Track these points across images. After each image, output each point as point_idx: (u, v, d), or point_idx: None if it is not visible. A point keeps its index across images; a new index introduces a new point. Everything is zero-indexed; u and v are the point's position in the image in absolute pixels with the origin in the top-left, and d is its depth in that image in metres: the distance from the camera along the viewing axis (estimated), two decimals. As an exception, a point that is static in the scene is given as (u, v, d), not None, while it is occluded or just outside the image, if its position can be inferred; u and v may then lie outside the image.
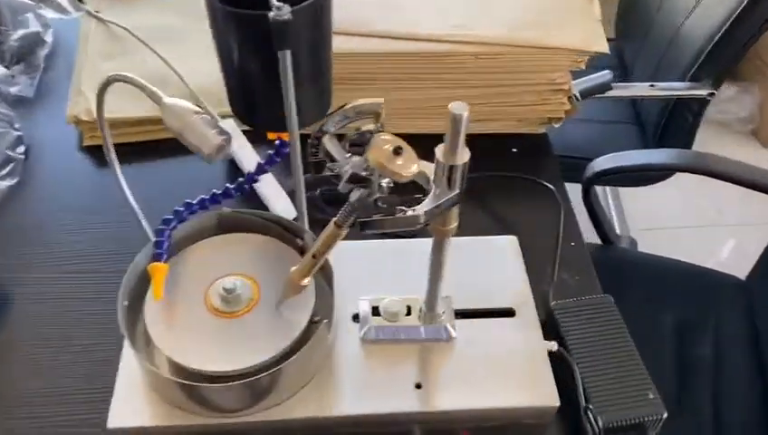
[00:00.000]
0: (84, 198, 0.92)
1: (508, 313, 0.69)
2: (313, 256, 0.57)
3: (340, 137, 0.54)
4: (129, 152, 0.99)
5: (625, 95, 1.34)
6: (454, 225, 0.57)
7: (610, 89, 1.27)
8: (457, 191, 0.53)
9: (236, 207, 0.96)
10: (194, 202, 0.67)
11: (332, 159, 0.52)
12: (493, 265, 0.73)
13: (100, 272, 0.81)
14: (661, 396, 0.77)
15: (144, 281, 0.64)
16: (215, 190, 0.68)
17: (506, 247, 0.75)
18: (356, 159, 0.50)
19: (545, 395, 0.63)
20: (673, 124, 1.45)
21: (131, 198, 0.67)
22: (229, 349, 0.60)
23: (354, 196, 0.52)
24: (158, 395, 0.61)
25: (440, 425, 0.64)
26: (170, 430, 0.60)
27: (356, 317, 0.68)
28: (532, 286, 0.88)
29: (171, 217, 0.65)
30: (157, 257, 0.63)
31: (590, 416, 0.72)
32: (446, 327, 0.66)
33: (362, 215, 0.51)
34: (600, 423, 0.71)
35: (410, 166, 0.50)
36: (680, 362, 1.21)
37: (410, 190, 0.54)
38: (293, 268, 0.60)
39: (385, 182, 0.50)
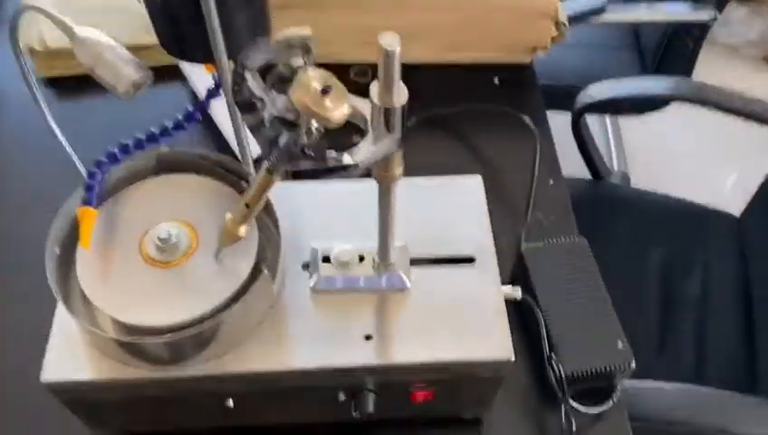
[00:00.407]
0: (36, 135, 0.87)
1: (467, 260, 0.65)
2: (246, 205, 0.53)
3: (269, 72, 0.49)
4: (80, 86, 0.94)
5: (619, 20, 1.26)
6: (398, 170, 0.52)
7: (604, 12, 1.19)
8: (397, 136, 0.48)
9: (197, 142, 0.92)
10: (129, 142, 0.62)
11: (258, 99, 0.47)
12: (454, 207, 0.69)
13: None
14: (643, 336, 0.75)
15: (77, 228, 0.60)
16: (152, 128, 0.63)
17: (470, 188, 0.70)
18: (280, 99, 0.45)
19: (500, 348, 0.59)
20: (672, 50, 1.37)
21: (61, 136, 0.62)
22: (166, 301, 0.57)
23: (282, 140, 0.47)
24: (95, 347, 0.58)
25: (392, 378, 0.61)
26: (106, 384, 0.58)
27: (306, 265, 0.64)
28: (505, 229, 0.84)
29: (104, 158, 0.61)
30: (86, 202, 0.58)
31: (554, 365, 0.69)
32: (401, 276, 0.63)
33: (289, 164, 0.46)
34: (563, 372, 0.69)
35: (340, 108, 0.44)
36: (665, 301, 1.18)
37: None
38: (228, 216, 0.55)
39: (315, 126, 0.45)
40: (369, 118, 0.48)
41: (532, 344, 0.74)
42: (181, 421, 0.67)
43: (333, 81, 0.45)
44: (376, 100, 0.45)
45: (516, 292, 0.69)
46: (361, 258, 0.63)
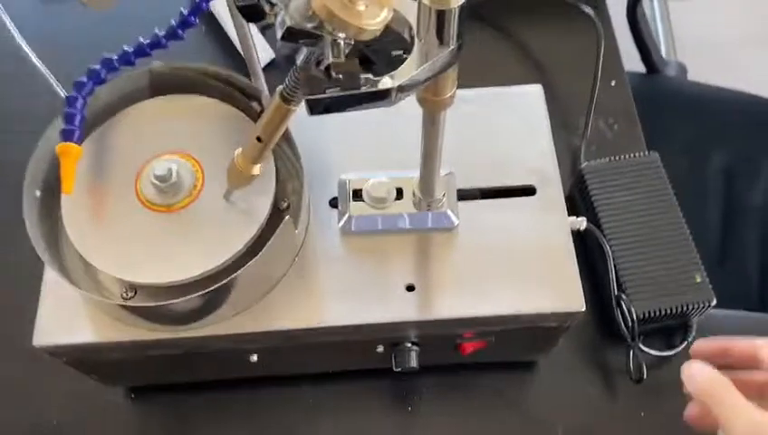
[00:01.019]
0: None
1: (527, 191, 0.54)
2: (258, 139, 0.42)
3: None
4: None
5: None
6: (450, 93, 0.40)
7: None
8: (451, 47, 0.36)
9: (199, 54, 0.80)
10: (114, 57, 0.50)
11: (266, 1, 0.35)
12: (510, 126, 0.57)
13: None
14: (704, 247, 0.65)
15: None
16: (141, 38, 0.51)
17: (528, 101, 0.58)
18: (296, 2, 0.33)
19: (568, 298, 0.50)
20: None
21: (30, 51, 0.50)
22: (171, 252, 0.48)
23: (300, 59, 0.35)
24: (91, 306, 0.50)
25: (438, 332, 0.52)
26: (107, 347, 0.50)
27: (334, 202, 0.54)
28: (561, 142, 0.72)
29: (85, 78, 0.50)
30: (66, 136, 0.48)
31: (623, 306, 0.60)
32: (447, 214, 0.52)
33: (310, 90, 0.35)
34: (634, 313, 0.59)
35: (377, 12, 0.33)
36: (728, 207, 1.07)
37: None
38: (237, 152, 0.45)
39: (343, 38, 0.33)
40: (415, 24, 0.36)
41: (596, 277, 0.64)
42: (198, 375, 0.60)
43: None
44: (426, 0, 0.33)
45: (581, 223, 0.59)
46: (399, 192, 0.53)
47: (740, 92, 1.15)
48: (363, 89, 0.35)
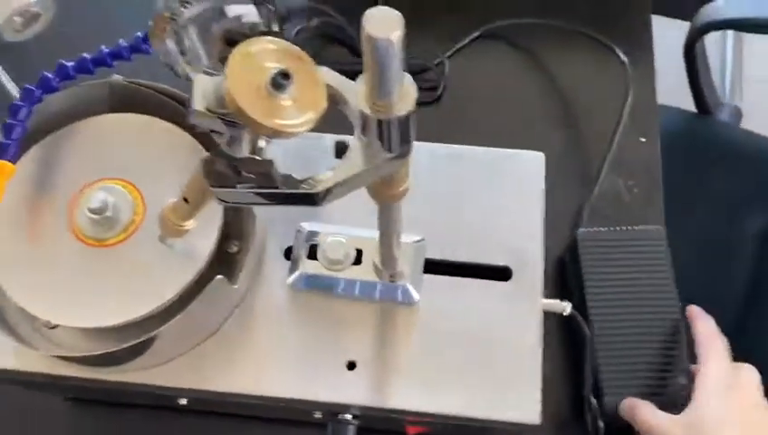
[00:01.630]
0: None
1: (502, 273, 0.49)
2: (186, 200, 0.37)
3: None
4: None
5: None
6: (403, 187, 0.35)
7: None
8: (396, 154, 0.30)
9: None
10: (70, 63, 0.46)
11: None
12: (498, 196, 0.51)
13: None
14: (721, 318, 0.59)
15: None
16: (103, 47, 0.46)
17: (525, 170, 0.52)
18: (213, 80, 0.28)
19: (523, 408, 0.45)
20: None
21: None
22: (94, 293, 0.44)
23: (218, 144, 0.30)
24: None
25: (377, 414, 0.47)
26: (25, 374, 0.47)
27: (289, 253, 0.49)
28: (573, 196, 0.66)
29: (34, 86, 0.45)
30: (1, 152, 0.44)
31: (591, 410, 0.54)
32: (407, 288, 0.47)
33: (216, 183, 0.29)
34: (600, 421, 0.54)
35: (301, 113, 0.27)
36: (757, 278, 0.98)
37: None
38: (167, 205, 0.40)
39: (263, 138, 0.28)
40: (357, 120, 0.30)
41: (578, 361, 0.59)
42: (132, 400, 0.57)
43: (298, 60, 0.27)
44: (363, 105, 0.27)
45: (565, 307, 0.53)
46: (359, 255, 0.48)
47: (795, 149, 1.05)
48: (283, 188, 0.29)
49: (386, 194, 0.34)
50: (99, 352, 0.41)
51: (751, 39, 1.60)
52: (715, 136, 1.05)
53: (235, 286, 0.45)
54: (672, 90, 1.04)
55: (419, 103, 0.75)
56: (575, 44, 0.74)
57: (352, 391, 0.45)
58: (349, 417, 0.49)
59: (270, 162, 0.28)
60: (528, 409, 0.45)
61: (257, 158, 0.28)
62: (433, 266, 0.49)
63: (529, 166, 0.51)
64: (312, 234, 0.48)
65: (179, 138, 0.47)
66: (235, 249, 0.48)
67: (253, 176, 0.28)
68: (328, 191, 0.30)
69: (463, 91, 0.73)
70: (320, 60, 0.29)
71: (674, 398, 0.52)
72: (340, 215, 0.50)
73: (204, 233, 0.45)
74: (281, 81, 0.26)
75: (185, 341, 0.45)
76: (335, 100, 0.29)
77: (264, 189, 0.29)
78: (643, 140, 0.71)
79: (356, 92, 0.27)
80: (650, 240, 0.58)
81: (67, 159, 0.47)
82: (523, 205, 0.50)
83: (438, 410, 0.45)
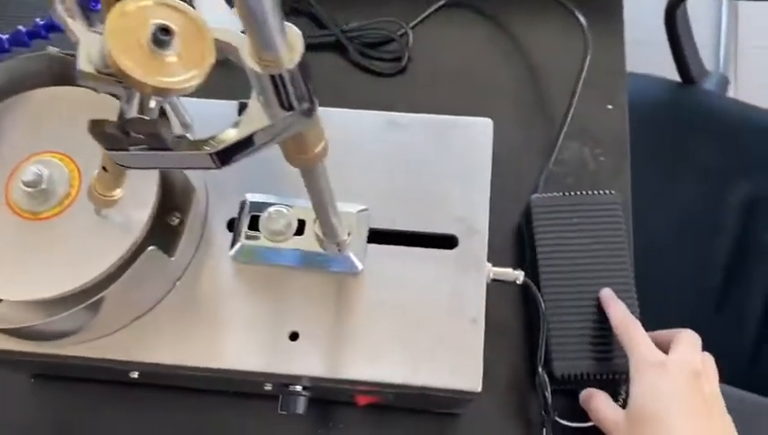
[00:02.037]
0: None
1: (448, 241, 0.48)
2: (104, 169, 0.37)
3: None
4: None
5: None
6: (318, 148, 0.34)
7: None
8: (297, 111, 0.29)
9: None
10: (4, 36, 0.45)
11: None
12: (445, 163, 0.50)
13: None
14: (702, 289, 0.58)
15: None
16: (38, 20, 0.46)
17: (473, 137, 0.51)
18: (92, 38, 0.27)
19: (465, 376, 0.44)
20: None
21: None
22: (28, 266, 0.44)
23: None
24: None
25: (325, 385, 0.47)
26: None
27: (233, 224, 0.48)
28: (534, 166, 0.65)
29: (-31, 60, 0.45)
30: (-67, 124, 0.44)
31: (540, 377, 0.54)
32: (350, 257, 0.47)
33: (107, 145, 0.29)
34: (548, 388, 0.53)
35: (185, 70, 0.26)
36: (739, 248, 0.97)
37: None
38: (93, 175, 0.40)
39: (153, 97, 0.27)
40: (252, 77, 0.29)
41: (533, 328, 0.58)
42: (88, 375, 0.57)
43: (182, 15, 0.26)
44: (249, 61, 0.27)
45: (518, 276, 0.52)
46: (302, 225, 0.47)
47: (782, 117, 1.03)
48: (177, 150, 0.29)
49: (299, 157, 0.33)
50: (31, 323, 0.41)
51: (745, 6, 1.57)
52: (699, 105, 1.03)
53: (172, 258, 0.44)
54: (665, 61, 1.02)
55: (386, 75, 0.74)
56: (541, 11, 0.73)
57: (296, 362, 0.45)
58: (299, 388, 0.49)
59: (156, 122, 0.27)
60: (470, 377, 0.44)
61: (144, 117, 0.27)
62: (378, 236, 0.48)
63: (477, 133, 0.51)
64: (256, 205, 0.48)
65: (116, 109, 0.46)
66: (176, 221, 0.48)
67: (142, 137, 0.28)
68: (227, 151, 0.29)
69: (428, 61, 0.72)
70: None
71: (623, 367, 0.51)
72: (287, 187, 0.49)
73: (141, 205, 0.44)
74: (161, 37, 0.26)
75: (124, 313, 0.45)
76: (228, 56, 0.28)
77: (156, 151, 0.28)
78: (610, 107, 0.69)
79: (244, 48, 0.26)
80: (606, 205, 0.57)
81: (4, 134, 0.46)
82: (470, 172, 0.50)
83: (381, 379, 0.44)
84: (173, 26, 0.26)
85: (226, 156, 0.29)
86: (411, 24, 0.72)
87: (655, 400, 0.46)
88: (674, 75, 1.04)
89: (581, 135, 0.67)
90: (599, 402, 0.51)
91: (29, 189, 0.43)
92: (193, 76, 0.27)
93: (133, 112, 0.28)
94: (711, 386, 0.48)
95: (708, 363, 0.50)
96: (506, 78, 0.71)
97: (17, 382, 0.61)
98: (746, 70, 1.52)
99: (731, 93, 1.51)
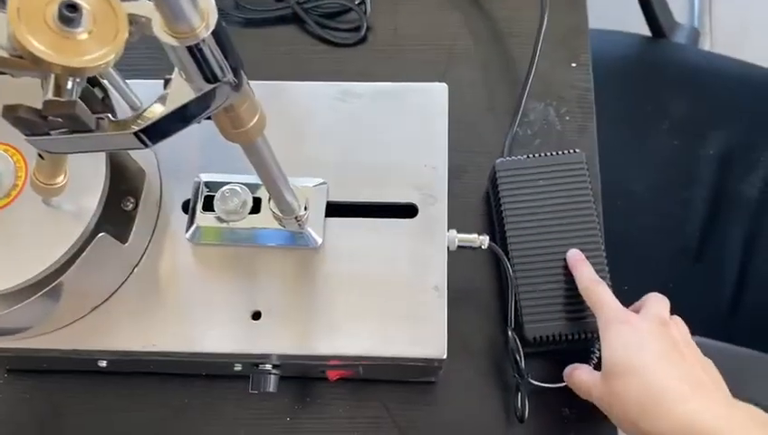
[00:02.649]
0: None
1: (407, 210, 0.47)
2: (40, 156, 0.36)
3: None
4: None
5: None
6: (253, 122, 0.33)
7: None
8: (223, 80, 0.28)
9: None
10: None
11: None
12: (401, 131, 0.49)
13: None
14: (681, 238, 0.57)
15: None
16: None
17: (429, 103, 0.50)
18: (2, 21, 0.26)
19: (429, 343, 0.44)
20: None
21: None
22: (-19, 259, 0.43)
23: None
24: None
25: (293, 362, 0.47)
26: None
27: (187, 206, 0.48)
28: (497, 133, 0.64)
29: None
30: None
31: (511, 340, 0.54)
32: (308, 232, 0.46)
33: (27, 130, 0.28)
34: (521, 351, 0.53)
35: (98, 47, 0.25)
36: (715, 198, 0.97)
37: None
38: (34, 165, 0.39)
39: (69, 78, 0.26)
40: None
41: (503, 293, 0.58)
42: (58, 366, 0.57)
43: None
44: (162, 35, 0.25)
45: (483, 241, 0.52)
46: (257, 203, 0.46)
47: (755, 67, 1.03)
48: (101, 132, 0.28)
49: (235, 132, 0.33)
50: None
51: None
52: (670, 59, 1.03)
53: (125, 244, 0.44)
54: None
55: (346, 45, 0.73)
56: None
57: (260, 341, 0.45)
58: (269, 367, 0.49)
59: (72, 103, 0.26)
60: (435, 344, 0.44)
61: (59, 99, 0.26)
62: (337, 209, 0.47)
63: (432, 99, 0.50)
64: (209, 185, 0.47)
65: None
66: (129, 206, 0.47)
67: (59, 120, 0.27)
68: (153, 128, 0.28)
69: (387, 29, 0.71)
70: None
71: (594, 326, 0.51)
72: (242, 165, 0.48)
73: (90, 191, 0.43)
74: (68, 14, 0.24)
75: (82, 302, 0.45)
76: (144, 31, 0.27)
77: (78, 134, 0.27)
78: (574, 65, 0.68)
79: (156, 21, 0.25)
80: (571, 165, 0.57)
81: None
82: (427, 139, 0.49)
83: (348, 352, 0.44)
84: (81, 2, 0.25)
85: (154, 133, 0.28)
86: (368, -8, 0.71)
87: (625, 352, 0.46)
88: (645, 31, 1.03)
89: (546, 95, 0.67)
90: (579, 374, 0.51)
91: (-27, 182, 0.42)
92: (106, 53, 0.26)
93: (49, 95, 0.27)
94: (681, 332, 0.48)
95: (677, 319, 0.50)
96: (468, 42, 0.70)
97: (-9, 378, 0.61)
98: (721, 20, 1.50)
99: (706, 46, 1.50)
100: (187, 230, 0.46)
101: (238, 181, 0.47)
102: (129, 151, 0.45)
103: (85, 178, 0.43)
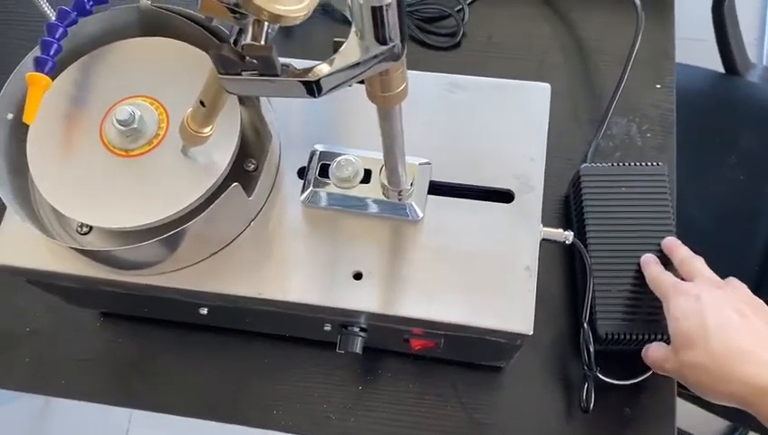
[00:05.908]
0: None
1: (504, 196, 0.51)
2: (202, 103, 0.40)
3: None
4: None
5: None
6: (399, 88, 0.37)
7: None
8: (390, 45, 0.33)
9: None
10: None
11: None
12: (504, 123, 0.53)
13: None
14: (743, 271, 0.59)
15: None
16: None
17: (532, 99, 0.54)
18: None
19: (517, 319, 0.47)
20: None
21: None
22: (122, 198, 0.48)
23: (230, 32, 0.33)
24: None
25: (384, 324, 0.50)
26: (57, 276, 0.51)
27: (303, 172, 0.52)
28: (584, 139, 0.67)
29: (70, 8, 0.49)
30: (39, 65, 0.48)
31: (585, 333, 0.57)
32: (412, 205, 0.50)
33: (223, 69, 0.32)
34: (592, 345, 0.56)
35: (300, 1, 0.30)
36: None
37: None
38: (187, 112, 0.43)
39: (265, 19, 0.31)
40: (353, 11, 0.33)
41: (578, 289, 0.61)
42: (154, 313, 0.61)
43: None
44: (351, -8, 0.30)
45: (567, 236, 0.55)
46: (368, 174, 0.51)
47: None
48: (282, 77, 0.32)
49: (382, 96, 0.37)
50: (120, 248, 0.45)
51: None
52: (743, 95, 1.05)
53: (250, 198, 0.48)
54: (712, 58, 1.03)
55: (441, 48, 0.77)
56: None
57: (358, 299, 0.48)
58: (357, 329, 0.52)
59: (270, 47, 0.31)
60: (523, 320, 0.47)
61: (258, 43, 0.30)
62: (438, 188, 0.51)
63: (535, 96, 0.53)
64: (325, 154, 0.51)
65: (205, 61, 0.50)
66: (251, 167, 0.51)
67: (255, 61, 0.31)
68: (323, 81, 0.32)
69: (481, 37, 0.75)
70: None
71: (662, 329, 0.54)
72: (351, 140, 0.53)
73: (222, 148, 0.48)
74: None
75: (203, 247, 0.49)
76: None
77: (265, 77, 0.32)
78: (658, 86, 0.72)
79: (348, -17, 0.29)
80: (653, 176, 0.60)
81: (99, 79, 0.50)
82: (527, 133, 0.52)
83: (438, 318, 0.47)
84: (290, -38, 0.29)
85: (325, 85, 0.32)
86: (468, 1, 0.75)
87: (686, 322, 0.48)
88: (720, 69, 1.05)
89: (630, 111, 0.70)
90: (653, 350, 0.53)
91: (122, 128, 0.47)
92: (303, 7, 0.30)
93: (248, 39, 0.31)
94: (739, 291, 0.50)
95: (732, 279, 0.52)
96: (557, 55, 0.74)
97: (86, 321, 0.66)
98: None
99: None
100: (301, 193, 0.51)
101: (351, 153, 0.51)
102: (265, 115, 0.50)
103: (219, 138, 0.47)
